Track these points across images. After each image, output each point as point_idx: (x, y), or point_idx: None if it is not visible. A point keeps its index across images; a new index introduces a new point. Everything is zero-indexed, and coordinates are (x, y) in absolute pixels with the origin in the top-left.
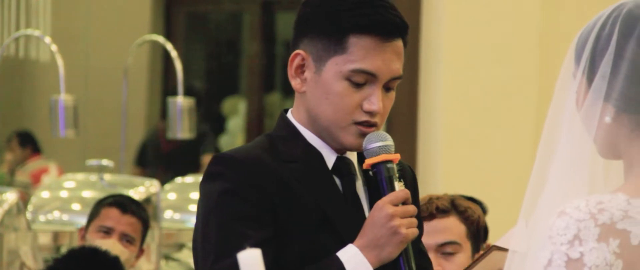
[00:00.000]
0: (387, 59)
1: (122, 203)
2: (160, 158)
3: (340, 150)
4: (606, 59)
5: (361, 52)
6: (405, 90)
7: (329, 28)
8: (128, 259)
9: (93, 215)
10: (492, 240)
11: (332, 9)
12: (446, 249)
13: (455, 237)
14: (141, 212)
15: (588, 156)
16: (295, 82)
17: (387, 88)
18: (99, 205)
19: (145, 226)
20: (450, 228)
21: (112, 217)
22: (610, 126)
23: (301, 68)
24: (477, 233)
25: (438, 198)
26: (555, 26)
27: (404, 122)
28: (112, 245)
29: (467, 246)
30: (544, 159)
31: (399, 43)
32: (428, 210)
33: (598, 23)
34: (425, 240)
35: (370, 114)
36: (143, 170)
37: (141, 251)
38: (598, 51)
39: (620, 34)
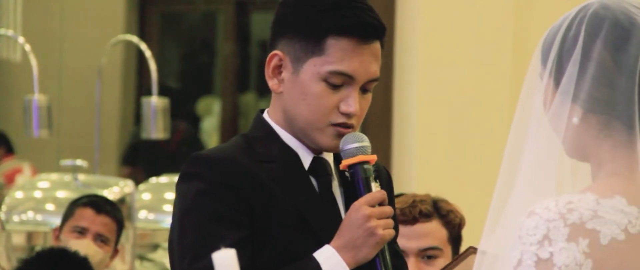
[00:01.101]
0: (364, 61)
1: (97, 203)
2: (159, 157)
3: (317, 150)
4: (573, 60)
5: (339, 54)
6: (380, 90)
7: (307, 29)
8: (102, 259)
9: (67, 215)
10: (465, 239)
11: (311, 10)
12: (428, 254)
13: (437, 242)
14: (116, 212)
15: (556, 157)
16: (272, 83)
17: (364, 90)
18: (74, 206)
19: (120, 226)
20: (433, 233)
21: (87, 217)
22: (578, 127)
23: (278, 69)
24: (458, 237)
25: (422, 201)
26: (529, 27)
27: (378, 122)
28: (86, 246)
29: (447, 250)
30: (510, 161)
31: (376, 45)
32: (411, 214)
33: (564, 24)
34: (407, 244)
35: (347, 115)
36: (133, 169)
37: (116, 251)
38: (565, 52)
39: (587, 35)
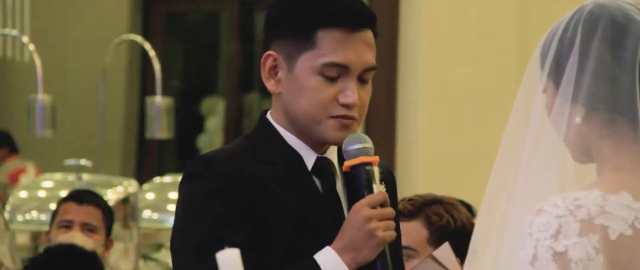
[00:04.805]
0: (358, 50)
1: (77, 195)
2: None
3: (321, 150)
4: (572, 59)
5: (331, 46)
6: (384, 90)
7: (296, 25)
8: (94, 248)
9: (54, 214)
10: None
11: (298, 7)
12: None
13: (411, 242)
14: (99, 201)
15: (558, 159)
16: (270, 84)
17: (362, 80)
18: (59, 204)
19: (107, 214)
20: (409, 233)
21: (70, 210)
22: (581, 126)
23: (274, 69)
24: (443, 238)
25: (410, 200)
26: (532, 27)
27: (382, 122)
28: (72, 237)
29: (426, 251)
30: (502, 164)
31: (368, 33)
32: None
33: (560, 27)
34: None
35: (347, 107)
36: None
37: (110, 241)
38: (563, 53)
39: (584, 34)
